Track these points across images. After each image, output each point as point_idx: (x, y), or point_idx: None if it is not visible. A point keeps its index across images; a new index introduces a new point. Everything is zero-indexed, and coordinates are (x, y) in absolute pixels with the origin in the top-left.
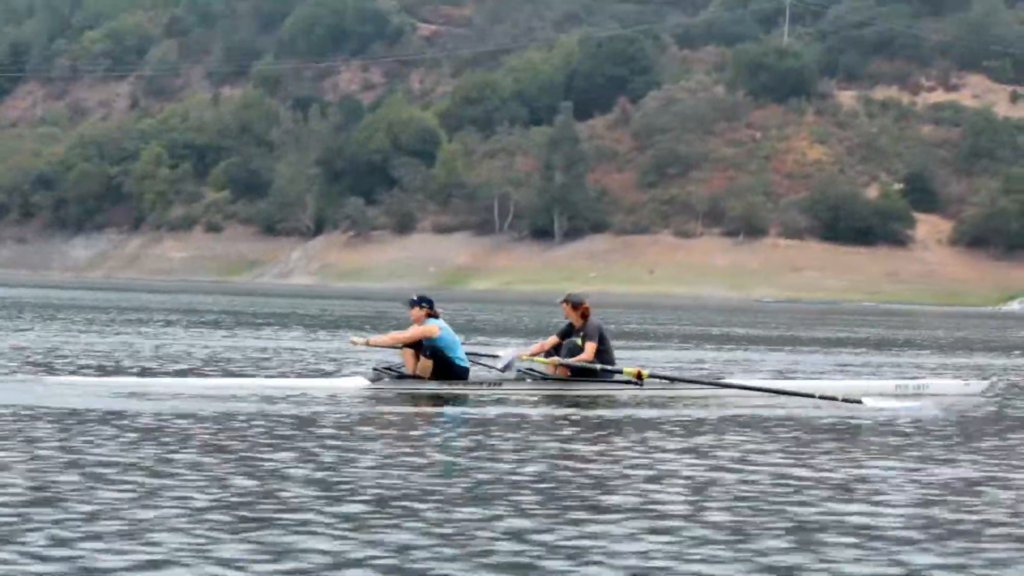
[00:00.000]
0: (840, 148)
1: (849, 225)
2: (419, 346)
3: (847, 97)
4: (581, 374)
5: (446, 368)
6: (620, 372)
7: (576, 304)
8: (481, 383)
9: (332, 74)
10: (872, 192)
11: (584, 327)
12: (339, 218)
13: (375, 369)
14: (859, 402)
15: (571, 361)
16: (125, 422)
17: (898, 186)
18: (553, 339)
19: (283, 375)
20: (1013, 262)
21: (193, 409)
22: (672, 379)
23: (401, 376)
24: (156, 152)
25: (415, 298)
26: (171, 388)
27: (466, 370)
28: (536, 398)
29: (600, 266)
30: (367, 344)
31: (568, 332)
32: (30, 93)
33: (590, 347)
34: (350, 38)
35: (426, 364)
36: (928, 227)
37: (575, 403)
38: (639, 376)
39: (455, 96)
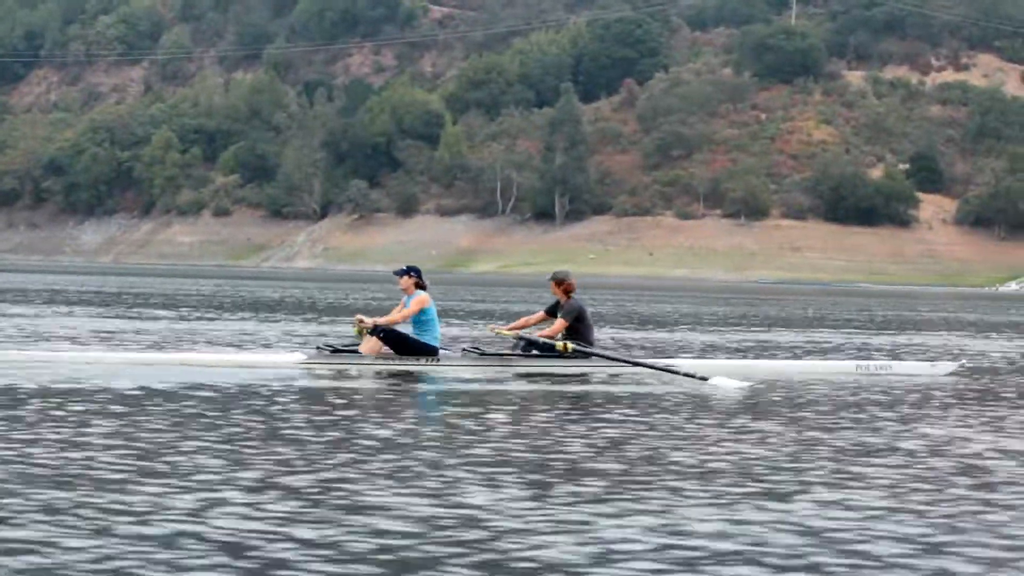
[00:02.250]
0: (847, 128)
1: (852, 205)
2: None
3: (855, 77)
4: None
5: (413, 346)
6: (553, 347)
7: (559, 281)
8: (418, 359)
9: (344, 57)
10: (877, 172)
11: (565, 304)
12: (343, 201)
13: (317, 347)
14: (706, 379)
15: (530, 336)
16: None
17: (903, 166)
18: (540, 314)
19: (223, 349)
20: (1018, 242)
21: (114, 383)
22: (589, 354)
23: (336, 351)
24: (166, 137)
25: (404, 267)
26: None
27: (436, 348)
28: (474, 375)
29: (599, 248)
30: (375, 325)
31: (555, 309)
32: (44, 79)
33: (558, 323)
34: (362, 21)
35: (375, 346)
36: (933, 207)
37: (515, 379)
38: (565, 348)
39: (461, 79)
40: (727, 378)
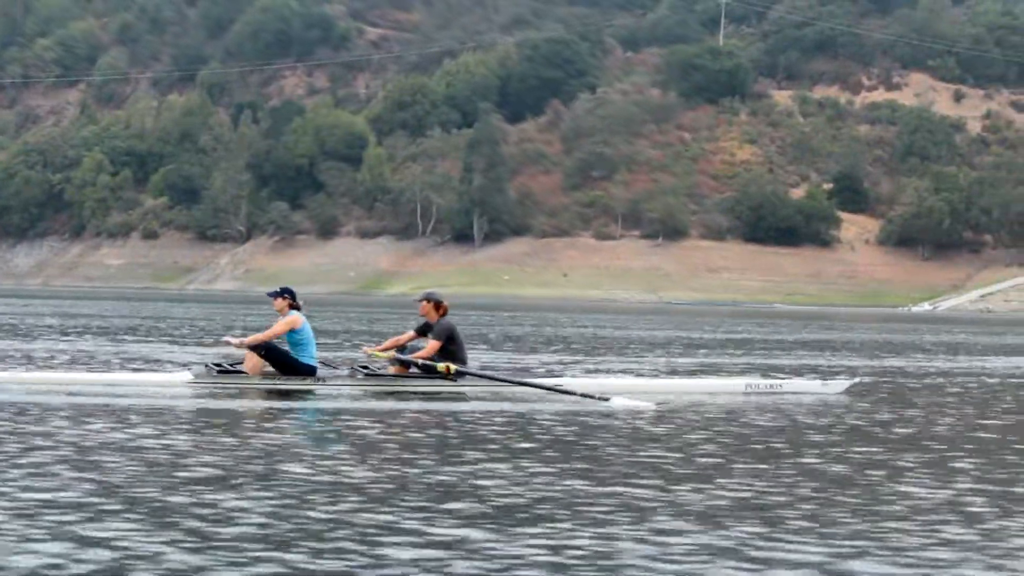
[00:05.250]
0: (771, 148)
1: (772, 226)
2: (256, 346)
3: (783, 97)
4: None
5: (292, 366)
6: (435, 368)
7: (438, 303)
8: (305, 378)
9: (278, 79)
10: (800, 192)
11: (435, 325)
12: (266, 223)
13: (205, 366)
14: (607, 400)
15: (406, 356)
16: None
17: (826, 186)
18: (409, 334)
19: (110, 370)
20: (941, 262)
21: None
22: (474, 375)
23: (224, 371)
24: (97, 159)
25: (278, 289)
26: None
27: (314, 368)
28: (361, 393)
29: (515, 269)
30: (243, 344)
31: (425, 329)
32: None
33: (432, 345)
34: (296, 43)
35: (257, 363)
36: (856, 227)
37: (399, 398)
38: (448, 371)
39: (387, 100)
40: (627, 398)
